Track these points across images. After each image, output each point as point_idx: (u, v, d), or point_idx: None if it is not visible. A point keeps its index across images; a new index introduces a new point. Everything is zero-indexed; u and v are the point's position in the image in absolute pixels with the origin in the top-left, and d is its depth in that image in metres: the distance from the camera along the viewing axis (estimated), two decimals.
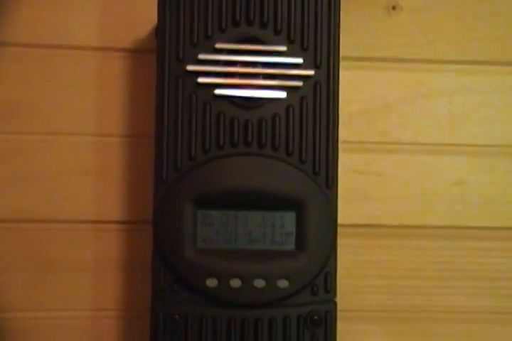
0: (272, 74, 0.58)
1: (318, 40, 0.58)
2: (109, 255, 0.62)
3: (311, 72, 0.58)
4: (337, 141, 0.59)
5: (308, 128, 0.58)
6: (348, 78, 0.64)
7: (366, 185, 0.65)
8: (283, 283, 0.57)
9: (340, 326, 0.56)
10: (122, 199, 0.62)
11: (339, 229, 0.57)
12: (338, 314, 0.57)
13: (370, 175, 0.65)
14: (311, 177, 0.58)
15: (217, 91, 0.57)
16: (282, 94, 0.58)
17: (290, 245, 0.58)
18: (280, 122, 0.58)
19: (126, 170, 0.63)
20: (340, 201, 0.59)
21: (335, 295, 0.58)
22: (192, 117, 0.58)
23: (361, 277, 0.64)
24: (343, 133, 0.63)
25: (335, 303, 0.58)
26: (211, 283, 0.56)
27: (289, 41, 0.58)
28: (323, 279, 0.58)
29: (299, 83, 0.58)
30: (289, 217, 0.58)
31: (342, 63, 0.59)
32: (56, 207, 0.62)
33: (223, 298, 0.57)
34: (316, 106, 0.58)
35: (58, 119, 0.63)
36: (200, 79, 0.57)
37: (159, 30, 0.58)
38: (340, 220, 0.57)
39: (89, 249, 0.62)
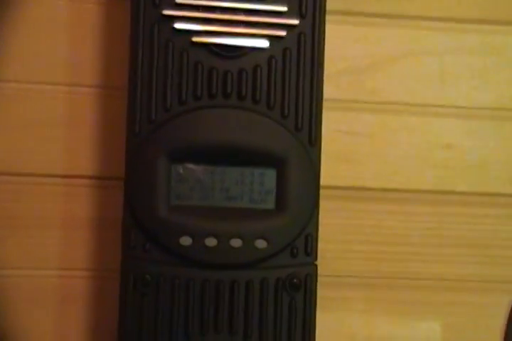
0: (254, 22, 0.54)
1: None
2: (79, 212, 0.58)
3: (295, 22, 0.55)
4: (321, 97, 0.55)
5: (292, 81, 0.55)
6: (334, 33, 0.61)
7: (351, 146, 0.61)
8: (261, 244, 0.53)
9: (320, 291, 0.53)
10: (95, 153, 0.59)
11: (321, 191, 0.53)
12: (319, 279, 0.54)
13: (356, 135, 0.62)
14: (293, 134, 0.55)
15: (195, 39, 0.54)
16: (264, 44, 0.54)
17: (269, 204, 0.55)
18: (262, 74, 0.55)
19: (100, 122, 0.59)
20: (324, 161, 0.56)
21: (316, 258, 0.55)
22: (168, 66, 0.54)
23: (343, 242, 0.61)
24: (329, 90, 0.59)
25: (315, 266, 0.55)
26: (185, 241, 0.53)
27: None
28: (303, 241, 0.55)
29: (283, 32, 0.55)
30: (269, 175, 0.55)
31: (328, 17, 0.56)
32: (23, 160, 0.58)
33: (197, 257, 0.53)
34: (300, 58, 0.55)
35: (29, 68, 0.59)
36: (177, 25, 0.54)
37: None
38: (322, 182, 0.53)
39: (58, 205, 0.58)
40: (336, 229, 0.62)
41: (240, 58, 0.55)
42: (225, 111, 0.54)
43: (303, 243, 0.55)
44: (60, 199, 0.59)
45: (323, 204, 0.55)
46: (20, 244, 0.59)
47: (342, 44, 0.63)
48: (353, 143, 0.62)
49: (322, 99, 0.55)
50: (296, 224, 0.54)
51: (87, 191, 0.60)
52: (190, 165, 0.54)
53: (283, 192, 0.54)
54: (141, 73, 0.54)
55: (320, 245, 0.55)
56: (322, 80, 0.55)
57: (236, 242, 0.53)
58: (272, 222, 0.54)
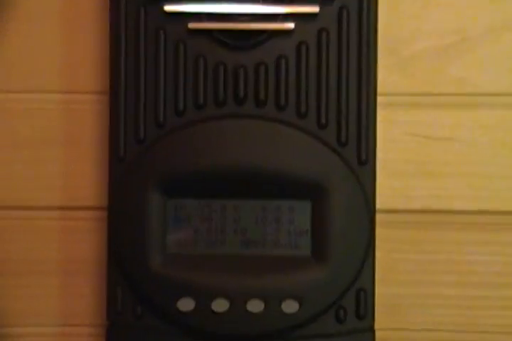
0: None
1: None
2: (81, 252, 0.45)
3: None
4: (374, 97, 0.39)
5: (331, 77, 0.40)
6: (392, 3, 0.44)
7: (426, 155, 0.44)
8: (291, 306, 0.38)
9: None
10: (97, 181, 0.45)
11: (383, 217, 0.43)
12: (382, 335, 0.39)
13: (433, 139, 0.45)
14: (335, 150, 0.39)
15: (193, 25, 0.38)
16: (289, 26, 0.38)
17: (303, 249, 0.40)
18: (288, 68, 0.40)
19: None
20: (386, 176, 0.43)
21: (373, 321, 0.38)
22: (159, 64, 0.39)
23: (417, 283, 0.45)
24: (395, 82, 0.43)
25: (372, 334, 0.38)
26: (186, 305, 0.38)
27: None
28: (353, 299, 0.39)
29: (315, 8, 0.38)
30: (302, 209, 0.40)
31: None
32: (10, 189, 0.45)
33: (203, 326, 0.38)
34: (342, 43, 0.39)
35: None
36: (168, 7, 0.38)
37: None
38: (383, 204, 0.42)
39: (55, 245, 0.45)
40: (405, 267, 0.45)
41: (255, 48, 0.40)
42: (239, 123, 0.39)
43: (353, 302, 0.39)
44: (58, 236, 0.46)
45: (385, 233, 0.44)
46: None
47: (407, 17, 0.45)
48: (428, 150, 0.45)
49: (375, 98, 0.40)
50: (341, 277, 0.39)
51: (91, 225, 0.46)
52: (193, 200, 0.39)
53: (322, 233, 0.39)
54: (125, 76, 0.39)
55: (381, 289, 0.40)
56: (375, 72, 0.40)
57: (256, 305, 0.38)
58: (306, 275, 0.39)
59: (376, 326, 0.41)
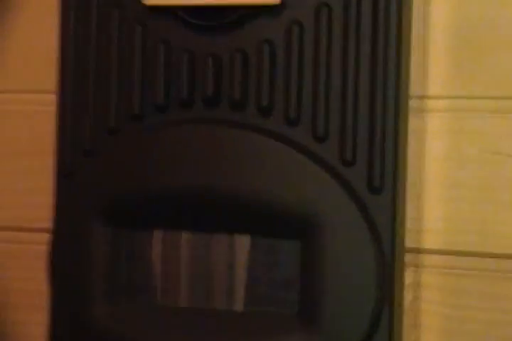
0: None
1: None
2: None
3: None
4: (399, 96, 0.29)
5: (333, 70, 0.29)
6: None
7: (477, 178, 0.32)
8: None
9: None
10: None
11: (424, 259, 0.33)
12: None
13: (495, 156, 0.33)
14: (336, 172, 0.29)
15: (150, 1, 0.28)
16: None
17: (288, 306, 0.28)
18: (274, 57, 0.29)
19: None
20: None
21: None
22: (111, 53, 0.29)
23: None
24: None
25: None
26: None
27: None
28: None
29: None
30: (288, 251, 0.29)
31: None
32: None
33: None
34: (350, 23, 0.27)
35: None
36: None
37: None
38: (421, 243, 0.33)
39: None
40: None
41: (231, 30, 0.29)
42: (209, 130, 0.28)
43: None
44: None
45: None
46: None
47: None
48: (482, 173, 0.34)
49: (398, 101, 0.29)
50: None
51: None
52: (147, 232, 0.29)
53: (314, 285, 0.27)
54: (73, 71, 0.31)
55: None
56: (398, 65, 0.28)
57: None
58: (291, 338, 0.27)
59: None
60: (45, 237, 0.35)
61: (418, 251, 0.36)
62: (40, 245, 0.36)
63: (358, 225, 0.29)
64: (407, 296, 0.33)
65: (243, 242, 0.30)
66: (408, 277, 0.33)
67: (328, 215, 0.29)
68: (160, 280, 0.31)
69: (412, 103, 0.33)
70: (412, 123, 0.33)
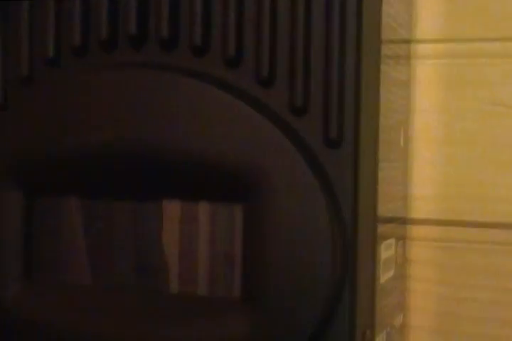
0: None
1: None
2: None
3: None
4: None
5: None
6: None
7: (474, 134, 0.27)
8: None
9: None
10: None
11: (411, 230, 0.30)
12: None
13: (496, 108, 0.28)
14: (285, 122, 0.24)
15: None
16: None
17: (228, 287, 0.24)
18: None
19: None
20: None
21: None
22: None
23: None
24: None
25: None
26: None
27: None
28: None
29: None
30: (229, 218, 0.23)
31: None
32: None
33: None
34: None
35: None
36: None
37: None
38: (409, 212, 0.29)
39: None
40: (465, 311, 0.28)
41: None
42: (135, 75, 0.24)
43: None
44: None
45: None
46: None
47: None
48: (474, 128, 0.29)
49: (359, 40, 0.24)
50: (283, 330, 0.22)
51: None
52: (69, 199, 0.24)
53: (258, 260, 0.22)
54: None
55: None
56: None
57: None
58: (231, 327, 0.22)
59: None
60: None
61: (404, 221, 0.30)
62: None
63: (310, 186, 0.23)
64: (385, 273, 0.28)
65: (174, 208, 0.25)
66: (386, 251, 0.28)
67: (275, 174, 0.23)
68: (81, 255, 0.26)
69: (395, 48, 0.27)
70: (396, 71, 0.28)
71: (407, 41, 0.29)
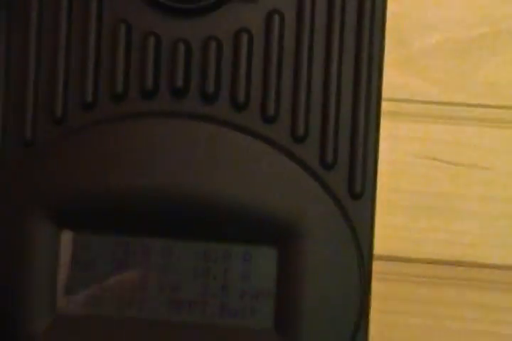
0: None
1: None
2: None
3: None
4: (378, 99, 0.26)
5: (315, 66, 0.27)
6: None
7: (444, 186, 0.31)
8: None
9: None
10: None
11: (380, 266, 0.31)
12: None
13: (456, 166, 0.32)
14: (317, 175, 0.26)
15: None
16: None
17: (262, 319, 0.26)
18: (251, 47, 0.27)
19: None
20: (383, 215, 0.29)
21: None
22: (59, 32, 0.25)
23: None
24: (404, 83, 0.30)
25: None
26: None
27: None
28: None
29: None
30: (264, 260, 0.26)
31: None
32: None
33: None
34: (335, 15, 0.26)
35: None
36: None
37: None
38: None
39: None
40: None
41: (205, 15, 0.26)
42: (175, 125, 0.25)
43: None
44: None
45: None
46: None
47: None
48: (450, 181, 0.32)
49: (379, 104, 0.26)
50: None
51: None
52: (100, 236, 0.25)
53: (290, 297, 0.25)
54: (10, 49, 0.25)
55: None
56: (380, 67, 0.26)
57: None
58: None
59: None
60: None
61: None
62: None
63: (340, 232, 0.27)
64: None
65: (215, 250, 0.27)
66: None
67: (309, 221, 0.26)
68: (118, 290, 0.27)
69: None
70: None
71: None
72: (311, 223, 0.26)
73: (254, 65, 0.26)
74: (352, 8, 0.26)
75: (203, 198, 0.26)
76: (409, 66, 0.34)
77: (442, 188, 0.34)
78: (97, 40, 0.26)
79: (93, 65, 0.26)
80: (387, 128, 0.30)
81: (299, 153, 0.26)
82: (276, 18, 0.26)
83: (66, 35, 0.26)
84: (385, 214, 0.33)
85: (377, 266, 0.33)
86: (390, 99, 0.32)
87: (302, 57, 0.26)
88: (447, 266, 0.34)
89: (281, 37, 0.26)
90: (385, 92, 0.27)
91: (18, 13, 0.26)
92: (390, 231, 0.34)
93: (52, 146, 0.26)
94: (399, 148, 0.33)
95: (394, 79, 0.33)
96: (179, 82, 0.26)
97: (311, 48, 0.26)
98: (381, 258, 0.34)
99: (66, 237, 0.26)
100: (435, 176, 0.34)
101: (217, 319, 0.26)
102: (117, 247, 0.26)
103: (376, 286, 0.33)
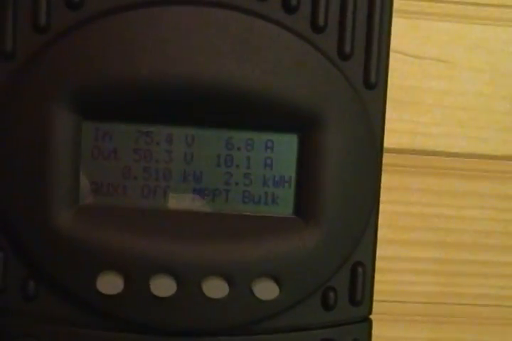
0: None
1: None
2: None
3: None
4: None
5: None
6: None
7: (410, 78, 0.32)
8: (267, 288, 0.25)
9: None
10: None
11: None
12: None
13: (427, 60, 0.33)
14: (336, 65, 0.26)
15: None
16: None
17: (283, 206, 0.27)
18: None
19: None
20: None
21: (370, 309, 0.26)
22: None
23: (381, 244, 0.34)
24: None
25: (369, 323, 0.26)
26: (109, 284, 0.25)
27: None
28: (347, 278, 0.26)
29: None
30: (284, 147, 0.27)
31: None
32: None
33: (136, 317, 0.24)
34: None
35: None
36: None
37: None
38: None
39: None
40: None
41: None
42: (197, 13, 0.25)
43: (346, 282, 0.26)
44: None
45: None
46: None
47: None
48: (415, 73, 0.34)
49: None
50: (336, 246, 0.25)
51: None
52: (122, 124, 0.25)
53: (311, 183, 0.26)
54: None
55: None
56: None
57: (215, 287, 0.25)
58: (287, 243, 0.25)
59: None
60: None
61: None
62: None
63: (357, 121, 0.28)
64: None
65: (236, 138, 0.27)
66: None
67: (330, 109, 0.27)
68: (141, 180, 0.27)
69: None
70: None
71: None
72: (331, 111, 0.26)
73: None
74: None
75: (225, 86, 0.26)
76: None
77: (408, 81, 0.36)
78: None
79: None
80: None
81: (319, 43, 0.26)
82: None
83: None
84: None
85: None
86: None
87: None
88: (412, 155, 0.36)
89: None
90: None
91: None
92: None
93: (69, 34, 0.25)
94: None
95: None
96: None
97: None
98: None
99: (88, 127, 0.26)
100: (400, 69, 0.35)
101: (239, 206, 0.27)
102: (140, 136, 0.26)
103: None
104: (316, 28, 0.27)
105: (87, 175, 0.26)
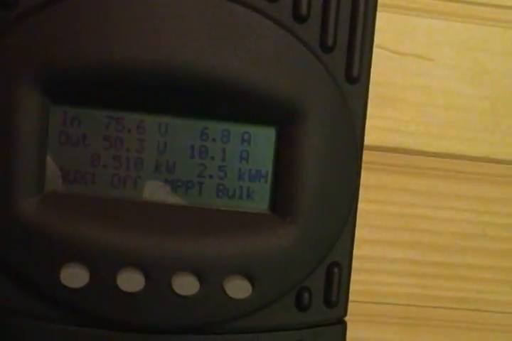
0: None
1: None
2: None
3: None
4: None
5: None
6: None
7: (387, 75, 0.32)
8: (239, 287, 0.24)
9: None
10: None
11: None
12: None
13: (400, 55, 0.33)
14: (318, 56, 0.25)
15: None
16: None
17: (258, 201, 0.26)
18: None
19: None
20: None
21: (345, 311, 0.25)
22: None
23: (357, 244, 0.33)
24: None
25: (344, 326, 0.25)
26: (73, 277, 0.23)
27: None
28: (322, 278, 0.25)
29: None
30: (262, 140, 0.26)
31: None
32: None
33: (101, 312, 0.23)
34: None
35: None
36: None
37: None
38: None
39: None
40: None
41: None
42: None
43: (322, 282, 0.25)
44: None
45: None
46: None
47: None
48: (394, 69, 0.33)
49: None
50: (312, 244, 0.24)
51: None
52: (93, 110, 0.24)
53: (288, 178, 0.24)
54: None
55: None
56: None
57: (185, 284, 0.24)
58: (261, 240, 0.24)
59: None
60: None
61: None
62: None
63: (338, 116, 0.27)
64: None
65: (212, 128, 0.26)
66: None
67: (310, 102, 0.26)
68: (111, 168, 0.26)
69: None
70: None
71: None
72: (311, 104, 0.25)
73: None
74: None
75: (203, 73, 0.25)
76: None
77: (388, 77, 0.35)
78: None
79: None
80: None
81: (300, 33, 0.25)
82: None
83: None
84: None
85: None
86: None
87: None
88: (390, 154, 0.35)
89: None
90: None
91: None
92: None
93: (38, 11, 0.24)
94: None
95: None
96: None
97: None
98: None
99: (56, 110, 0.25)
100: (381, 64, 0.35)
101: (213, 200, 0.26)
102: (110, 123, 0.25)
103: None
104: (298, 18, 0.25)
105: (54, 161, 0.25)
